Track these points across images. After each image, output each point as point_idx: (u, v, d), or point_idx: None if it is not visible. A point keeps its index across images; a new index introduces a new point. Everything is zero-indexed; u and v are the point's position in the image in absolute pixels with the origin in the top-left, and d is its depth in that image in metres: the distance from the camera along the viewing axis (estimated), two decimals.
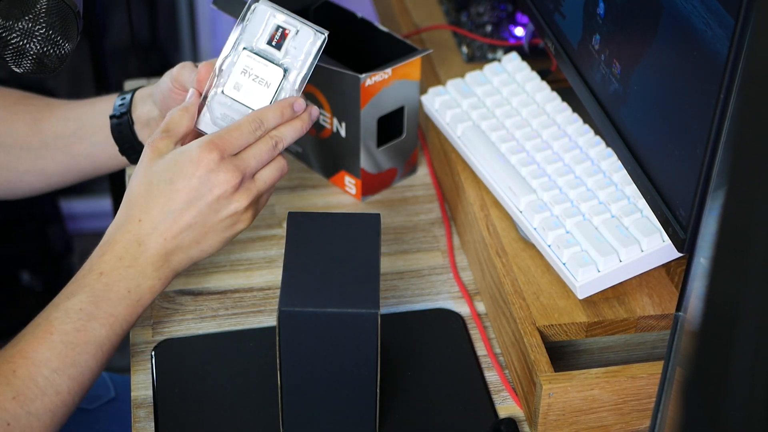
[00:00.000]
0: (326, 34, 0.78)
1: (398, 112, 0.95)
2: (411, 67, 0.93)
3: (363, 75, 0.89)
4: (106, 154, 0.89)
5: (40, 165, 0.89)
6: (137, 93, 0.88)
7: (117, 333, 0.73)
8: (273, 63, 0.78)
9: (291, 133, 0.76)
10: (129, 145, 0.88)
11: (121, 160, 0.89)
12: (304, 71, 0.78)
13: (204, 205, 0.73)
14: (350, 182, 0.97)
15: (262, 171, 0.75)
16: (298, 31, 0.78)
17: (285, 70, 0.78)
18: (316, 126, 0.97)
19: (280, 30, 0.78)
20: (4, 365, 0.69)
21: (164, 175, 0.73)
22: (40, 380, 0.69)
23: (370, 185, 0.96)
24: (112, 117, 0.87)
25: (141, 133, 0.87)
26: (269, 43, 0.78)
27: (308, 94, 0.96)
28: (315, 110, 0.78)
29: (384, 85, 0.91)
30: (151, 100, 0.86)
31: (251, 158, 0.74)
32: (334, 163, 0.97)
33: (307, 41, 0.78)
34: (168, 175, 0.72)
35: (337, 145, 0.96)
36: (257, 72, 0.78)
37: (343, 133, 0.94)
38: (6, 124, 0.89)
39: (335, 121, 0.94)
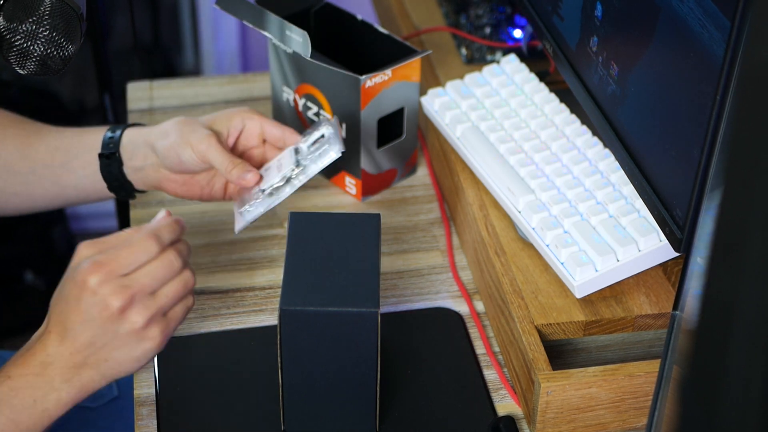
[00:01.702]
0: (342, 152, 0.83)
1: (398, 113, 0.95)
2: (410, 69, 0.93)
3: (363, 76, 0.90)
4: (94, 188, 0.89)
5: (28, 190, 0.90)
6: (127, 134, 0.88)
7: None
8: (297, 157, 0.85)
9: (185, 248, 0.73)
10: (118, 183, 0.89)
11: (109, 194, 0.90)
12: (310, 175, 0.83)
13: (97, 325, 0.69)
14: (350, 183, 0.97)
15: (164, 287, 0.71)
16: (323, 137, 0.84)
17: (298, 162, 0.84)
18: None
19: (318, 134, 0.85)
20: None
21: (65, 290, 0.71)
22: None
23: (370, 186, 0.97)
24: (101, 156, 0.88)
25: (131, 175, 0.88)
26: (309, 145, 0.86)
27: (309, 95, 0.97)
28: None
29: (384, 87, 0.92)
30: (146, 146, 0.86)
31: (144, 276, 0.70)
32: (334, 164, 0.97)
33: (325, 148, 0.83)
34: (62, 294, 0.71)
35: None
36: (285, 158, 0.85)
37: (343, 133, 0.94)
38: None
39: (334, 118, 0.94)
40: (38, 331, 0.73)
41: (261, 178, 0.84)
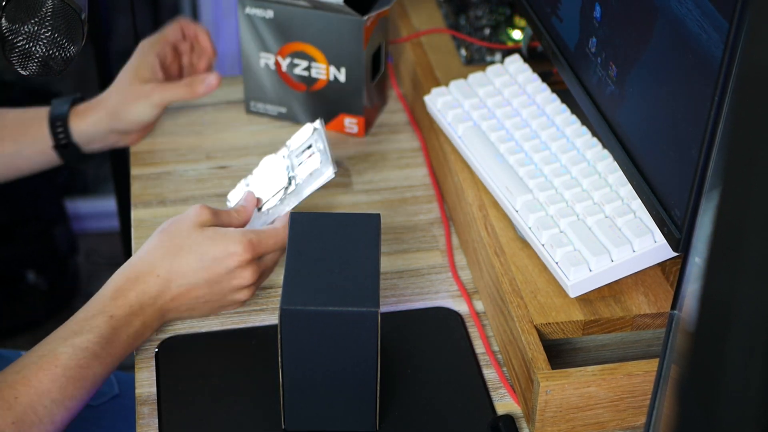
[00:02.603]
0: (335, 172, 0.87)
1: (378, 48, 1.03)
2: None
3: (365, 17, 0.96)
4: (49, 161, 1.00)
5: None
6: (75, 123, 0.97)
7: (109, 371, 0.77)
8: (287, 172, 0.89)
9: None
10: (75, 162, 0.99)
11: (55, 163, 1.00)
12: (303, 196, 0.88)
13: (219, 288, 0.80)
14: (351, 122, 1.02)
15: (261, 280, 0.84)
16: (314, 154, 0.88)
17: (290, 180, 0.88)
18: (306, 81, 1.02)
19: (310, 150, 0.89)
20: (6, 390, 0.72)
21: (198, 247, 0.79)
22: (39, 409, 0.72)
23: (369, 120, 1.04)
24: (56, 148, 0.97)
25: (88, 149, 0.99)
26: (297, 156, 0.89)
27: (296, 53, 1.01)
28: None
29: (374, 25, 0.99)
30: (101, 131, 0.98)
31: (271, 264, 0.84)
32: (329, 110, 1.04)
33: (317, 168, 0.87)
34: (202, 249, 0.79)
35: (334, 91, 1.01)
36: (276, 172, 0.89)
37: (342, 78, 1.00)
38: None
39: (332, 69, 0.99)
40: (135, 269, 0.79)
41: (219, 78, 0.95)
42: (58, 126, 0.97)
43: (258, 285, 0.83)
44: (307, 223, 0.77)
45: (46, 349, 0.74)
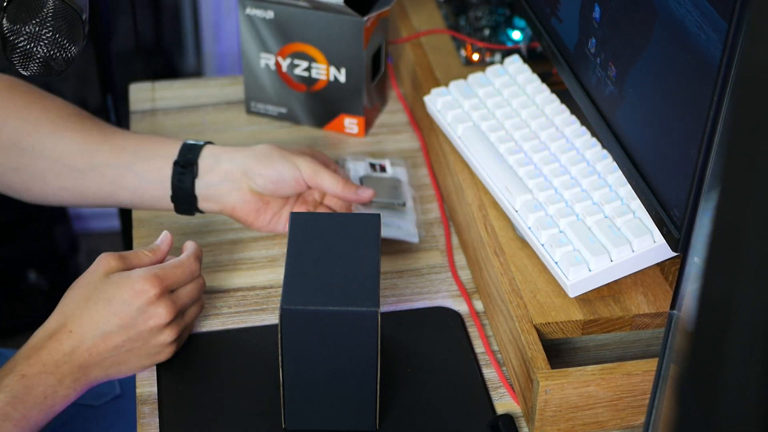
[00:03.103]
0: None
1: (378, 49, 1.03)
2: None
3: (364, 17, 0.96)
4: (153, 195, 0.88)
5: (81, 186, 0.89)
6: (209, 148, 0.88)
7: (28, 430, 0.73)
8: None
9: (199, 253, 0.83)
10: (183, 195, 0.88)
11: (164, 205, 0.89)
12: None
13: (135, 332, 0.76)
14: (351, 123, 1.03)
15: (184, 287, 0.80)
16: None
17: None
18: (307, 81, 1.03)
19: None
20: None
21: (104, 294, 0.76)
22: None
23: (369, 120, 1.05)
24: (176, 163, 0.87)
25: (201, 191, 0.88)
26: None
27: (297, 54, 1.02)
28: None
29: (374, 25, 0.99)
30: (231, 162, 0.87)
31: (186, 296, 0.79)
32: (330, 111, 1.04)
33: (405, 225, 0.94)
34: (108, 295, 0.76)
35: (334, 91, 1.02)
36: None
37: (342, 78, 1.00)
38: (51, 137, 0.88)
39: (332, 69, 1.00)
40: (48, 328, 0.75)
41: (374, 193, 0.91)
42: (191, 145, 0.88)
43: (180, 324, 0.79)
44: (307, 223, 0.77)
45: None
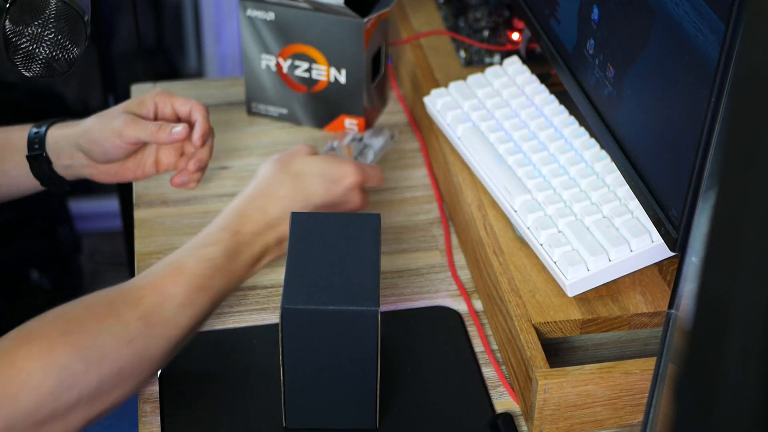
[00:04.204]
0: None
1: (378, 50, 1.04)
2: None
3: (365, 18, 0.97)
4: (27, 185, 0.94)
5: None
6: (51, 133, 0.91)
7: (232, 287, 0.79)
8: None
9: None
10: (49, 180, 0.92)
11: (42, 188, 0.94)
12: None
13: (335, 209, 0.84)
14: (351, 123, 1.04)
15: (365, 201, 0.87)
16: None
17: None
18: (307, 82, 1.03)
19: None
20: (132, 291, 0.74)
21: (317, 170, 0.83)
22: (165, 311, 0.74)
23: (369, 121, 1.05)
24: (28, 157, 0.91)
25: (62, 172, 0.92)
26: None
27: (297, 55, 1.02)
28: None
29: (374, 26, 0.99)
30: (69, 145, 0.90)
31: (367, 199, 0.88)
32: (330, 111, 1.05)
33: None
34: (321, 171, 0.84)
35: (335, 92, 1.02)
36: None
37: (342, 79, 1.01)
38: None
39: (332, 70, 1.00)
40: (252, 196, 0.81)
41: (188, 129, 0.91)
42: (35, 134, 0.92)
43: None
44: (308, 223, 0.77)
45: (171, 260, 0.77)
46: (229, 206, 0.81)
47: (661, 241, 0.78)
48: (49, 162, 0.91)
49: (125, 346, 0.72)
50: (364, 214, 0.79)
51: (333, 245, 0.75)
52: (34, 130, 0.92)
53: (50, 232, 1.72)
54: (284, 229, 0.81)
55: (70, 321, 0.73)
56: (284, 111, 1.07)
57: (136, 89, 1.14)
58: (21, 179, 0.93)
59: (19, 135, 0.92)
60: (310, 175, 0.83)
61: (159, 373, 0.81)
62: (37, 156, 0.91)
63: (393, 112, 1.10)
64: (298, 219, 0.78)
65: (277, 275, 0.91)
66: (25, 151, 0.91)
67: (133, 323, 0.72)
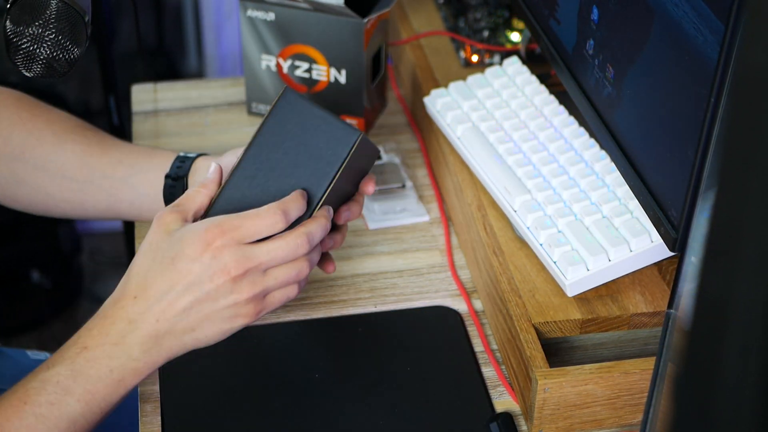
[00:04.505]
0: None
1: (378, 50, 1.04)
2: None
3: (365, 19, 0.97)
4: (151, 208, 0.87)
5: (81, 198, 0.88)
6: (198, 161, 0.86)
7: (94, 411, 0.68)
8: None
9: (318, 230, 0.71)
10: None
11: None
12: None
13: (202, 291, 0.68)
14: (351, 123, 1.04)
15: (276, 268, 0.70)
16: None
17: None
18: (307, 82, 1.03)
19: None
20: None
21: (167, 252, 0.69)
22: None
23: (369, 121, 1.06)
24: (167, 177, 0.85)
25: None
26: None
27: (297, 55, 1.02)
28: (330, 210, 0.76)
29: (374, 27, 0.99)
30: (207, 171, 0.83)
31: (264, 252, 0.69)
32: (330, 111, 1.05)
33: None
34: (171, 253, 0.69)
35: (335, 93, 1.02)
36: None
37: (342, 80, 1.00)
38: (53, 149, 0.87)
39: (332, 71, 1.00)
40: (112, 298, 0.70)
41: None
42: (183, 157, 0.86)
43: (257, 283, 0.70)
44: (294, 108, 0.75)
45: (19, 385, 0.68)
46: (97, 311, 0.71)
47: (661, 241, 0.78)
48: (185, 187, 0.85)
49: None
50: (349, 126, 0.75)
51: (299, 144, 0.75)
52: (181, 157, 0.86)
53: (51, 232, 1.73)
54: (152, 330, 0.68)
55: None
56: None
57: (137, 89, 1.14)
58: (147, 199, 0.86)
59: (162, 156, 0.87)
60: (159, 261, 0.69)
61: (159, 372, 0.82)
62: (177, 178, 0.84)
63: (393, 112, 1.10)
64: (288, 98, 0.76)
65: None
66: (166, 170, 0.85)
67: None
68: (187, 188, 0.85)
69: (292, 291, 0.71)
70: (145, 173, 0.87)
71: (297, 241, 0.70)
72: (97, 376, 0.68)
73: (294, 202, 0.71)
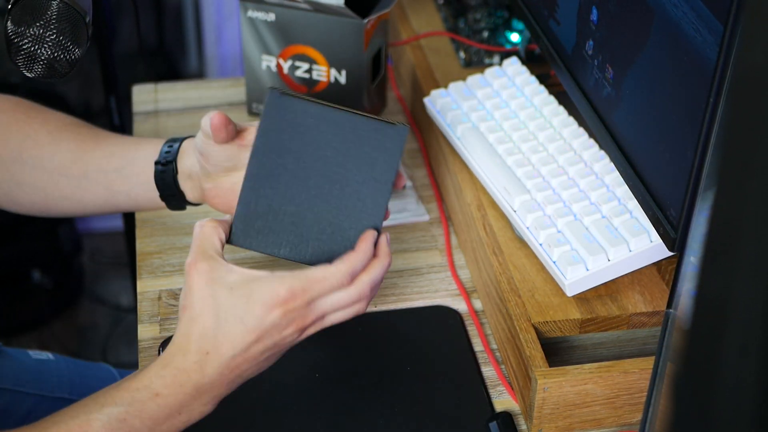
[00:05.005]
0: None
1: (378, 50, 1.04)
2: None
3: (365, 19, 0.97)
4: (146, 196, 0.88)
5: (78, 194, 0.89)
6: (185, 143, 0.87)
7: None
8: None
9: (379, 274, 0.73)
10: (170, 192, 0.87)
11: (160, 204, 0.88)
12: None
13: (272, 342, 0.70)
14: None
15: (332, 317, 0.72)
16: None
17: None
18: (308, 83, 1.03)
19: None
20: None
21: (233, 311, 0.69)
22: None
23: None
24: (157, 163, 0.86)
25: (183, 184, 0.87)
26: None
27: (297, 56, 1.02)
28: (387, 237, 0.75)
29: (374, 27, 0.99)
30: (194, 150, 0.84)
31: (328, 305, 0.71)
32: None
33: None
34: (239, 312, 0.69)
35: (335, 93, 1.02)
36: None
37: (342, 80, 1.00)
38: (49, 148, 0.88)
39: (333, 71, 1.00)
40: (178, 347, 0.70)
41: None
42: (170, 144, 0.87)
43: (318, 326, 0.72)
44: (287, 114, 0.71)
45: (80, 411, 0.69)
46: (155, 360, 0.71)
47: (660, 240, 0.78)
48: (175, 171, 0.85)
49: None
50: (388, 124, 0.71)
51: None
52: (169, 143, 0.87)
53: (51, 232, 1.73)
54: (226, 380, 0.70)
55: None
56: None
57: (138, 90, 1.14)
58: (141, 188, 0.87)
59: (151, 144, 0.88)
60: (226, 320, 0.69)
61: None
62: (166, 163, 0.85)
63: (393, 113, 1.10)
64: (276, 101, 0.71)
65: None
66: (155, 157, 0.86)
67: None
68: (177, 172, 0.85)
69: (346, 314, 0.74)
70: (137, 162, 0.87)
71: (359, 291, 0.72)
72: (166, 416, 0.70)
73: (359, 257, 0.72)
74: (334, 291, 0.71)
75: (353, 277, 0.71)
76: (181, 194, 0.87)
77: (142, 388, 0.70)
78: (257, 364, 0.71)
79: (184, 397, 0.70)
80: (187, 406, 0.70)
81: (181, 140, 0.87)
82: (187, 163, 0.85)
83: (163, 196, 0.87)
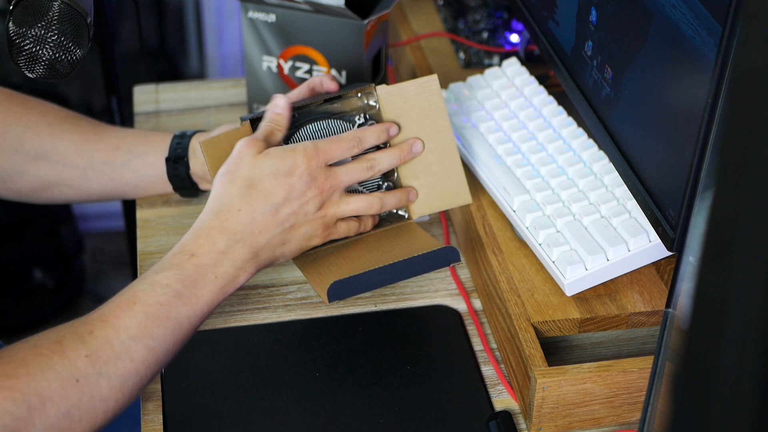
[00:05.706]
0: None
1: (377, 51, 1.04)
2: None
3: (365, 20, 0.97)
4: (155, 187, 0.93)
5: (84, 184, 0.92)
6: (194, 139, 0.91)
7: (197, 314, 0.74)
8: None
9: (387, 159, 0.83)
10: (183, 185, 0.92)
11: (169, 191, 0.93)
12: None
13: (298, 203, 0.78)
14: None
15: (349, 198, 0.81)
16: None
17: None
18: None
19: None
20: (81, 326, 0.70)
21: (267, 170, 0.77)
22: (115, 344, 0.70)
23: None
24: (168, 159, 0.90)
25: (197, 179, 0.91)
26: None
27: (298, 56, 1.02)
28: (418, 144, 0.86)
29: (374, 28, 1.00)
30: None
31: (343, 173, 0.81)
32: None
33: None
34: (270, 170, 0.77)
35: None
36: None
37: (343, 81, 1.01)
38: (52, 140, 0.91)
39: (333, 72, 1.01)
40: (212, 210, 0.76)
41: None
42: (180, 137, 0.92)
43: (337, 206, 0.80)
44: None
45: (126, 290, 0.73)
46: (189, 230, 0.77)
47: (659, 240, 0.78)
48: (187, 166, 0.91)
49: (72, 387, 0.67)
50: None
51: None
52: (178, 138, 0.91)
53: (53, 232, 1.73)
54: (255, 242, 0.76)
55: (15, 363, 0.67)
56: None
57: (139, 90, 1.14)
58: (150, 180, 0.92)
59: (159, 138, 0.92)
60: (259, 177, 0.77)
61: (162, 371, 0.82)
62: (178, 159, 0.90)
63: None
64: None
65: (278, 274, 0.91)
66: (165, 154, 0.91)
67: (80, 361, 0.68)
68: (189, 168, 0.91)
69: (353, 227, 0.83)
70: (145, 156, 0.92)
71: (364, 165, 0.82)
72: (204, 281, 0.74)
73: (370, 132, 0.82)
74: (345, 154, 0.80)
75: (361, 144, 0.81)
76: (194, 185, 0.92)
77: (178, 252, 0.74)
78: (284, 234, 0.77)
79: (217, 256, 0.74)
80: (221, 267, 0.74)
81: (190, 135, 0.91)
82: (198, 163, 0.90)
83: (176, 188, 0.93)
